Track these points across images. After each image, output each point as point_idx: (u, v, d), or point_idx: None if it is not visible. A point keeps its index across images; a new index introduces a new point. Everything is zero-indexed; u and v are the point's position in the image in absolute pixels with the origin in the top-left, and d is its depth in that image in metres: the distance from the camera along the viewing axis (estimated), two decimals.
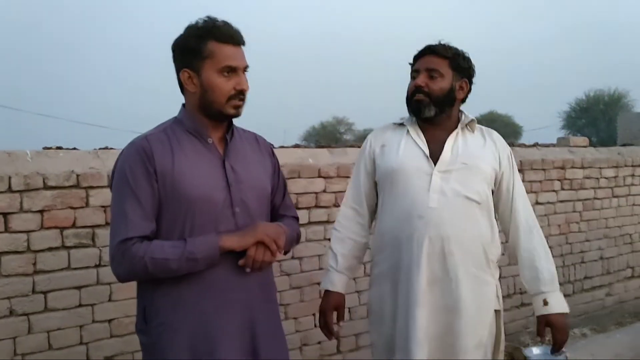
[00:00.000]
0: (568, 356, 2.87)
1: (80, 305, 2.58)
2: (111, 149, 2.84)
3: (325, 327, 2.11)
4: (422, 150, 2.02)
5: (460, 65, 2.06)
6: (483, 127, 2.16)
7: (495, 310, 2.06)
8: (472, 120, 2.09)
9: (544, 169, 4.45)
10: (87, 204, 2.58)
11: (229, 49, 1.60)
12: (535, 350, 3.00)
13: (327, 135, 34.55)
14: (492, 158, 2.06)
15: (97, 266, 2.62)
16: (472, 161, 2.01)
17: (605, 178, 4.88)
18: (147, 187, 1.55)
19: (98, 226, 2.61)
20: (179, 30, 1.63)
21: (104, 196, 2.61)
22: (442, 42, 2.07)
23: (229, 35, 1.61)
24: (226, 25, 1.61)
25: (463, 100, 2.12)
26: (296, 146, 3.94)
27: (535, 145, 4.84)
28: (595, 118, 35.99)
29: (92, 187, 2.59)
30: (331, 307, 2.11)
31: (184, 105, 1.69)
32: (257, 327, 1.65)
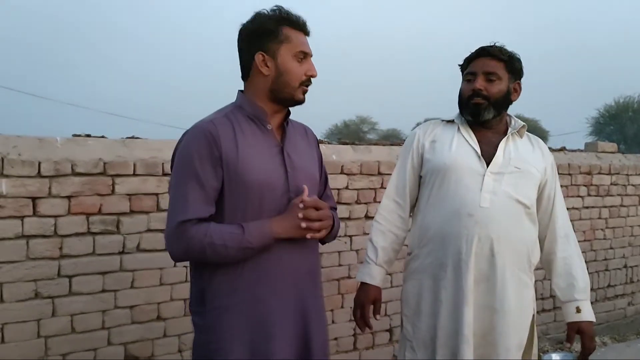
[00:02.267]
0: None
1: (103, 291, 2.63)
2: (138, 138, 2.88)
3: (362, 319, 2.11)
4: (475, 150, 2.04)
5: (515, 67, 2.08)
6: (530, 134, 2.19)
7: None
8: (523, 126, 2.12)
9: (570, 174, 4.40)
10: (113, 192, 2.63)
11: (302, 36, 1.68)
12: (555, 356, 2.97)
13: (351, 134, 34.44)
14: (540, 165, 2.10)
15: (120, 253, 2.66)
16: (524, 166, 2.04)
17: (633, 185, 4.80)
18: (211, 171, 1.57)
19: (123, 214, 2.65)
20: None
21: (129, 184, 2.66)
22: (497, 44, 2.08)
23: (302, 23, 1.68)
24: (296, 14, 1.68)
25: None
26: (320, 142, 3.95)
27: (563, 149, 4.77)
28: (623, 125, 35.33)
29: (118, 175, 2.63)
30: (370, 300, 2.11)
31: (241, 91, 1.73)
32: (309, 312, 1.70)
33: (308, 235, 1.62)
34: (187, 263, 2.76)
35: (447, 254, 1.99)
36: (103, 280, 2.63)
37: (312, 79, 1.70)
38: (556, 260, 2.12)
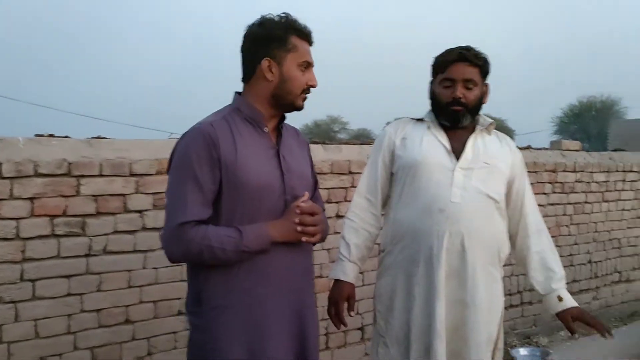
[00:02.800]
0: (555, 357, 2.91)
1: (68, 295, 2.56)
2: (104, 138, 2.82)
3: (337, 316, 2.12)
4: (445, 146, 2.06)
5: (487, 71, 2.12)
6: (497, 131, 2.22)
7: None
8: (491, 124, 2.15)
9: (535, 172, 4.48)
10: (78, 193, 2.57)
11: (306, 46, 1.71)
12: (522, 351, 3.03)
13: (321, 134, 34.54)
14: (508, 160, 2.14)
15: (87, 255, 2.60)
16: (492, 161, 2.07)
17: (596, 182, 4.92)
18: (209, 173, 1.58)
19: (89, 215, 2.59)
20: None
21: (95, 185, 2.60)
22: (468, 47, 2.09)
23: (308, 33, 1.71)
24: (303, 23, 1.71)
25: None
26: None
27: (529, 147, 4.86)
28: (586, 124, 36.26)
29: (83, 176, 2.57)
30: (344, 297, 2.12)
31: (238, 93, 1.74)
32: (305, 312, 1.73)
33: (303, 239, 1.66)
34: (157, 265, 2.77)
35: (419, 250, 2.01)
36: (68, 283, 2.56)
37: (311, 88, 1.73)
38: (531, 255, 2.16)
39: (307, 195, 1.69)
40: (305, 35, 1.70)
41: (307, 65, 1.70)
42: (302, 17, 1.71)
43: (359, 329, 3.57)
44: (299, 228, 1.64)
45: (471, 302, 1.99)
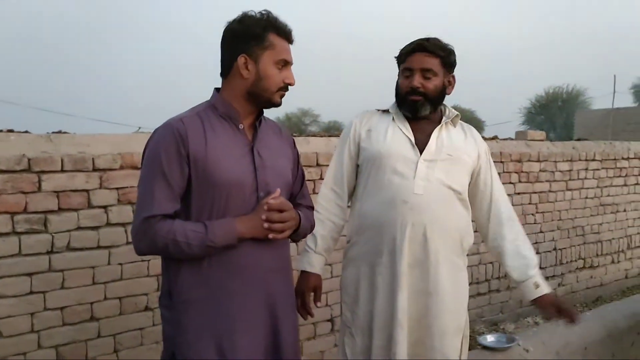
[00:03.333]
0: (520, 343, 2.97)
1: (31, 293, 2.52)
2: (65, 132, 2.76)
3: (303, 307, 2.13)
4: (409, 139, 2.07)
5: (450, 61, 2.11)
6: (463, 123, 2.23)
7: None
8: (456, 116, 2.16)
9: (502, 162, 4.55)
10: (39, 189, 2.51)
11: (286, 44, 1.71)
12: (489, 338, 3.09)
13: (292, 127, 34.44)
14: (473, 152, 2.14)
15: (49, 252, 2.55)
16: (456, 153, 2.08)
17: (560, 171, 5.02)
18: (177, 169, 1.60)
19: (50, 212, 2.54)
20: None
21: (56, 181, 2.55)
22: (430, 38, 2.10)
23: (288, 32, 1.71)
24: (283, 22, 1.70)
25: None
26: None
27: (495, 138, 4.93)
28: (553, 114, 36.96)
29: (44, 172, 2.52)
30: (310, 288, 2.14)
31: (217, 89, 1.75)
32: (278, 309, 1.72)
33: (270, 236, 1.65)
34: (122, 260, 2.73)
35: (383, 241, 2.03)
36: (31, 281, 2.51)
37: (289, 86, 1.73)
38: (505, 244, 2.18)
39: (278, 191, 1.68)
40: (284, 33, 1.70)
41: (285, 63, 1.70)
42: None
43: (328, 320, 3.59)
44: (265, 225, 1.64)
45: (434, 292, 2.01)
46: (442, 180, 2.04)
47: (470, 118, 37.23)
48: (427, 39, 2.09)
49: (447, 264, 2.04)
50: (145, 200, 1.59)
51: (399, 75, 2.16)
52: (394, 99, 2.18)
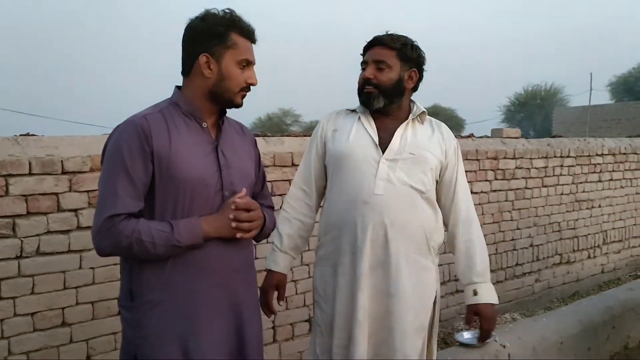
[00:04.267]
0: (497, 339, 2.98)
1: (0, 299, 2.47)
2: (32, 135, 2.71)
3: (266, 305, 2.12)
4: (372, 138, 2.07)
5: (408, 55, 2.09)
6: (433, 119, 2.22)
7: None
8: (422, 112, 2.15)
9: (478, 159, 4.58)
10: (7, 193, 2.46)
11: (248, 43, 1.69)
12: (466, 335, 3.10)
13: (273, 127, 34.36)
14: (438, 149, 2.12)
15: (18, 257, 2.50)
16: (419, 152, 2.06)
17: (536, 168, 5.06)
18: (141, 166, 1.56)
19: (19, 216, 2.49)
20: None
21: (24, 185, 2.50)
22: (390, 33, 2.10)
23: (251, 31, 1.69)
24: (246, 21, 1.69)
25: (414, 89, 2.16)
26: None
27: (471, 136, 4.96)
28: (532, 112, 37.37)
29: (11, 175, 2.47)
30: (273, 286, 2.14)
31: (178, 87, 1.72)
32: (242, 309, 1.71)
33: (238, 235, 1.64)
34: (93, 265, 2.69)
35: (345, 241, 2.03)
36: (0, 287, 2.46)
37: (251, 86, 1.71)
38: (457, 244, 2.18)
39: (244, 191, 1.67)
40: (247, 33, 1.68)
41: (247, 63, 1.68)
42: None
43: (306, 321, 3.57)
44: (233, 224, 1.63)
45: (395, 292, 2.00)
46: (403, 179, 2.02)
47: (450, 117, 37.51)
48: (386, 33, 2.10)
49: (410, 264, 2.02)
50: (107, 198, 1.55)
51: None
52: None
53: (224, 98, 1.68)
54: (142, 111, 1.66)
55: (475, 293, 2.14)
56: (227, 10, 1.67)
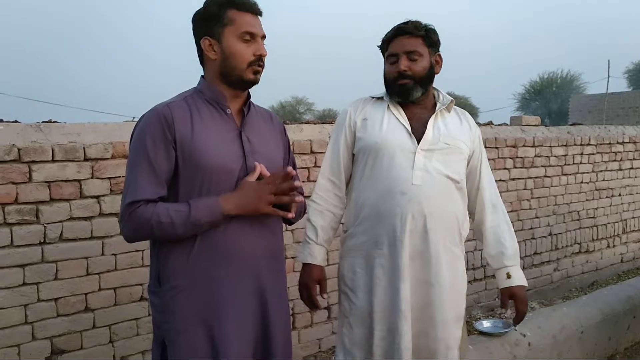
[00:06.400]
0: (516, 328, 2.97)
1: (24, 284, 2.49)
2: (55, 122, 2.72)
3: (310, 300, 2.11)
4: (406, 128, 2.05)
5: (433, 39, 2.08)
6: (457, 108, 2.20)
7: None
8: (451, 102, 2.14)
9: (497, 147, 4.53)
10: (30, 179, 2.48)
11: (248, 16, 1.66)
12: (486, 323, 3.09)
13: (287, 115, 34.32)
14: (468, 139, 2.12)
15: (41, 243, 2.53)
16: (453, 142, 2.06)
17: (555, 156, 5.01)
18: (163, 154, 1.58)
19: (42, 202, 2.51)
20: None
21: (47, 171, 2.52)
22: (410, 20, 2.07)
23: (248, 4, 1.67)
24: None
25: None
26: None
27: (490, 124, 4.91)
28: (548, 100, 36.95)
29: (34, 162, 2.48)
30: (314, 280, 2.11)
31: (202, 76, 1.73)
32: (268, 295, 1.70)
33: (271, 211, 1.62)
34: (115, 251, 2.71)
35: (382, 232, 2.01)
36: (23, 272, 2.49)
37: (263, 58, 1.68)
38: (486, 230, 2.18)
39: (258, 167, 1.64)
40: (244, 6, 1.65)
41: (251, 36, 1.65)
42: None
43: (325, 308, 3.58)
44: (273, 197, 1.61)
45: (435, 282, 1.99)
46: (440, 170, 2.01)
47: (464, 104, 37.21)
48: (406, 22, 2.06)
49: (447, 254, 2.02)
50: (129, 186, 1.58)
51: (385, 63, 2.13)
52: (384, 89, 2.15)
53: (234, 76, 1.66)
54: (167, 100, 1.68)
55: (508, 276, 2.16)
56: None
